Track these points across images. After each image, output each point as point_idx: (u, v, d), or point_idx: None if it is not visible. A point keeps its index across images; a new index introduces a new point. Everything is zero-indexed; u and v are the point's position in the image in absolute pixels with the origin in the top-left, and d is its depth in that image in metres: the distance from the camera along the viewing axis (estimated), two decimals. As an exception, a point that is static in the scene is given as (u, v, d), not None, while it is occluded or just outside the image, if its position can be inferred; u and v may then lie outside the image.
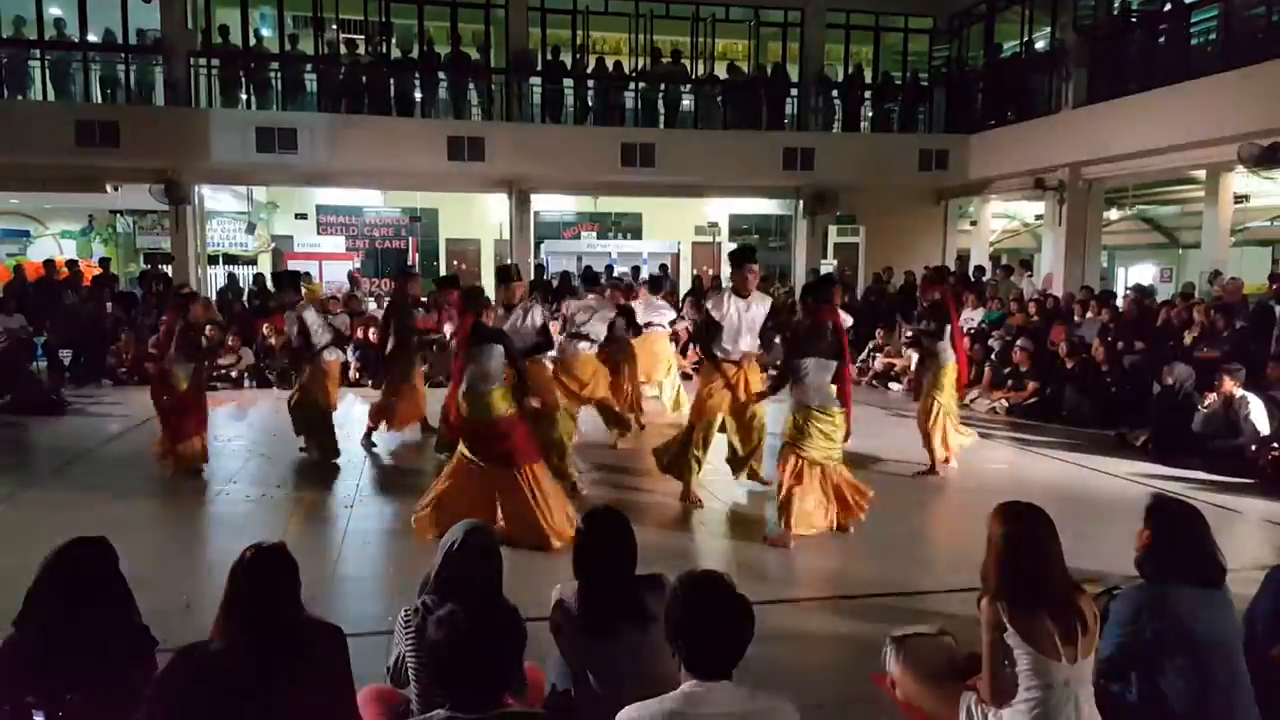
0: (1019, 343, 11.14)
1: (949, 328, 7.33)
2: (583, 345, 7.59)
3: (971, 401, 11.19)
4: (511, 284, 6.71)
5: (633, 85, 16.04)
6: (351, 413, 10.41)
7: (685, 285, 17.59)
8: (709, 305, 6.32)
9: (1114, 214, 18.22)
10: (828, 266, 17.17)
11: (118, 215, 18.66)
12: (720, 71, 16.68)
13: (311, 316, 7.77)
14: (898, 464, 7.63)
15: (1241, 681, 2.83)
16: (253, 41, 15.21)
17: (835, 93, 17.06)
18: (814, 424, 5.43)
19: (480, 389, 5.48)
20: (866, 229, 18.12)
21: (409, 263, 18.05)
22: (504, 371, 5.58)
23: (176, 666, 2.38)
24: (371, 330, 12.76)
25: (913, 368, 8.24)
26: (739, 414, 6.42)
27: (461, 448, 5.61)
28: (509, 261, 8.56)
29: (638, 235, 21.16)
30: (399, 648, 2.79)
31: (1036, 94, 15.06)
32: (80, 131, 13.14)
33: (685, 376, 10.89)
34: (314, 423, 7.79)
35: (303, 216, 19.91)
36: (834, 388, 5.55)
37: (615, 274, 16.08)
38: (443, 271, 20.91)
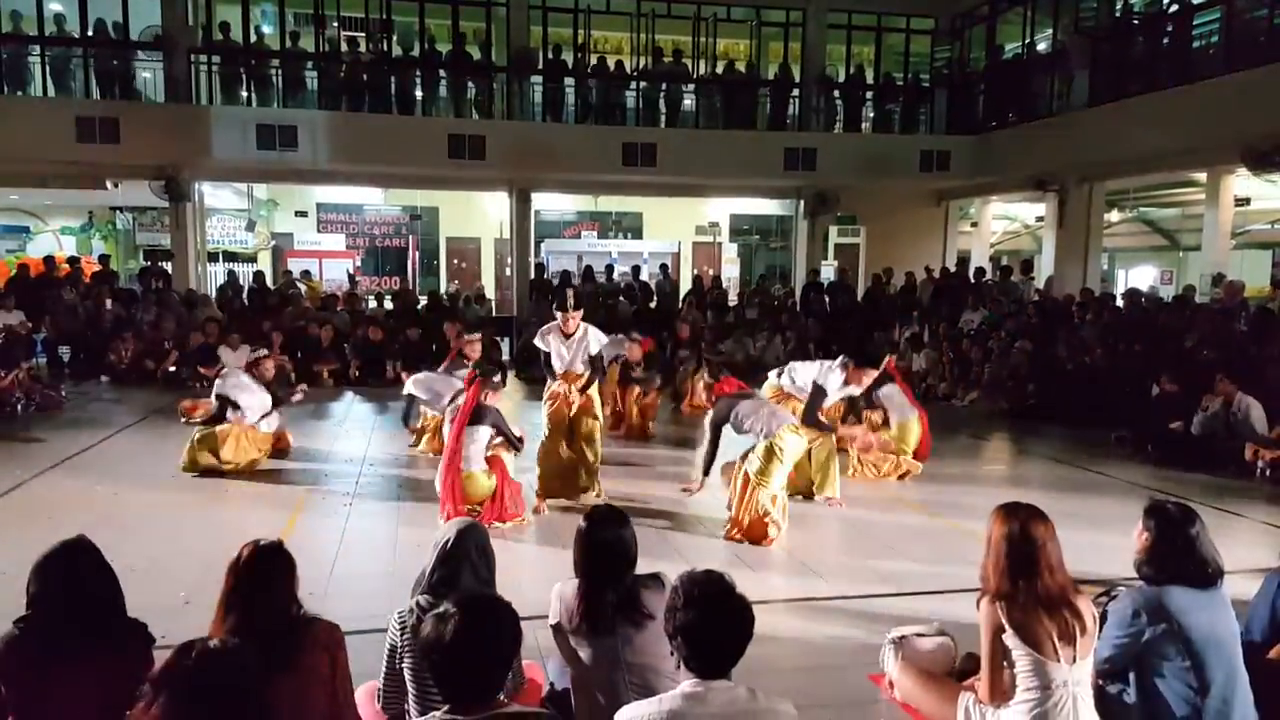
0: (1018, 344, 11.14)
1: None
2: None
3: (971, 403, 11.20)
4: (567, 314, 6.24)
5: (634, 84, 16.02)
6: (351, 412, 10.43)
7: (686, 285, 17.59)
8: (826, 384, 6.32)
9: (1115, 216, 18.21)
10: (828, 267, 17.18)
11: (117, 212, 18.67)
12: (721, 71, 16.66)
13: (236, 383, 7.34)
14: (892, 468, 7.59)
15: (1240, 682, 2.83)
16: (254, 38, 15.20)
17: (836, 93, 17.03)
18: (778, 448, 5.46)
19: (465, 469, 5.69)
20: (867, 229, 18.15)
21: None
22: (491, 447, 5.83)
23: (175, 663, 2.37)
24: (372, 328, 12.77)
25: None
26: None
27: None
28: (567, 288, 7.63)
29: (638, 235, 21.18)
30: (390, 657, 2.78)
31: (1038, 95, 15.04)
32: (80, 127, 13.10)
33: None
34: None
35: (303, 214, 19.94)
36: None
37: (614, 274, 16.10)
38: (443, 270, 20.95)
